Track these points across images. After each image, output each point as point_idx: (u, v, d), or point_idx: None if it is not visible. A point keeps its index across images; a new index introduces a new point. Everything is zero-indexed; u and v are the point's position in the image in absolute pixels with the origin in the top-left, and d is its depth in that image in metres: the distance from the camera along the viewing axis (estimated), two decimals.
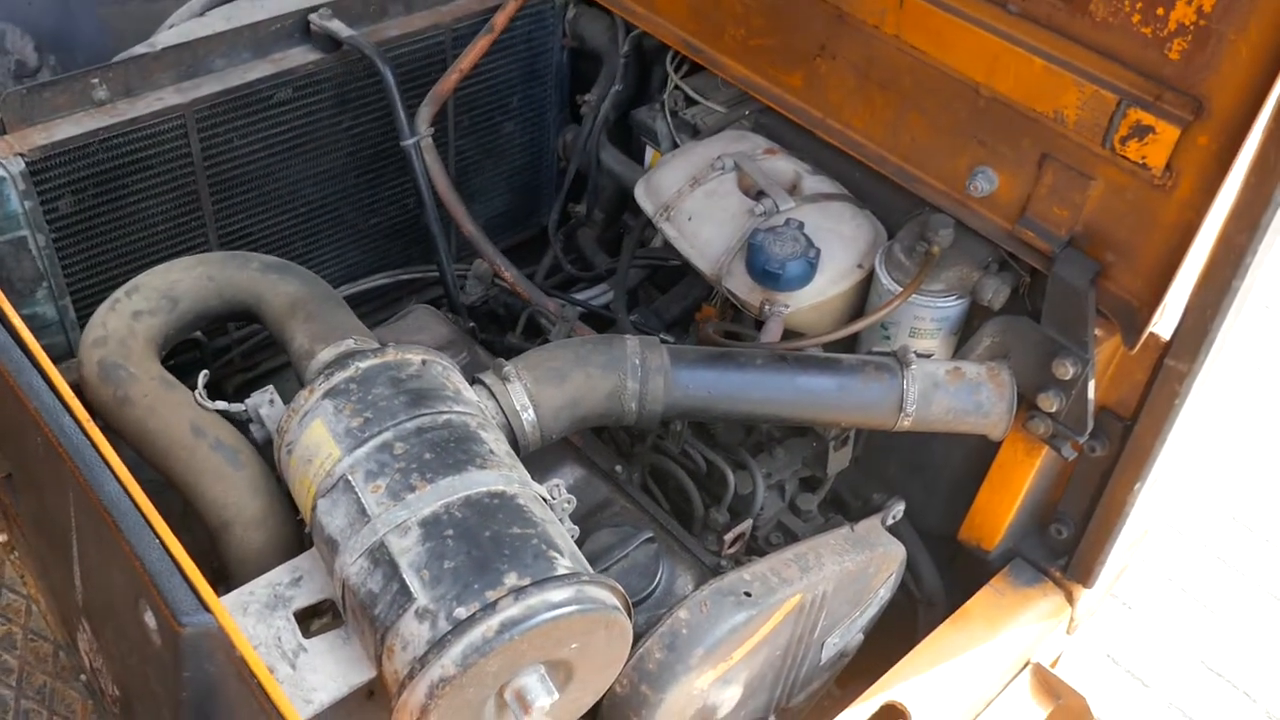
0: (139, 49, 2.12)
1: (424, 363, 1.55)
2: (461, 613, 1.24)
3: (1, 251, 1.94)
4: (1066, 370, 1.68)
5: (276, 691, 1.00)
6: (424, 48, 2.36)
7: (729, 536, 1.77)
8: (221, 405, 1.59)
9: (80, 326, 2.12)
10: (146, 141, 2.02)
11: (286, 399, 1.57)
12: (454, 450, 1.41)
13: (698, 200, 2.00)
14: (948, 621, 2.00)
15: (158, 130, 2.02)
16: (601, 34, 2.53)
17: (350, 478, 1.39)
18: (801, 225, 1.87)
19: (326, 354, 1.63)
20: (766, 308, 1.86)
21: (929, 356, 1.85)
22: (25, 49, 2.18)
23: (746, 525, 1.81)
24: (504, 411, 1.58)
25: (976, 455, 2.03)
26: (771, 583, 1.63)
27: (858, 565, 1.78)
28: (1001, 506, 2.03)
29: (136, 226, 2.09)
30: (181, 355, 2.08)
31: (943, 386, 1.73)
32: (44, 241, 1.97)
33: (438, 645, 1.23)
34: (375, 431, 1.43)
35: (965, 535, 2.13)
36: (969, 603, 2.04)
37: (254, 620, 1.36)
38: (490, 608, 1.24)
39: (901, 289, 1.80)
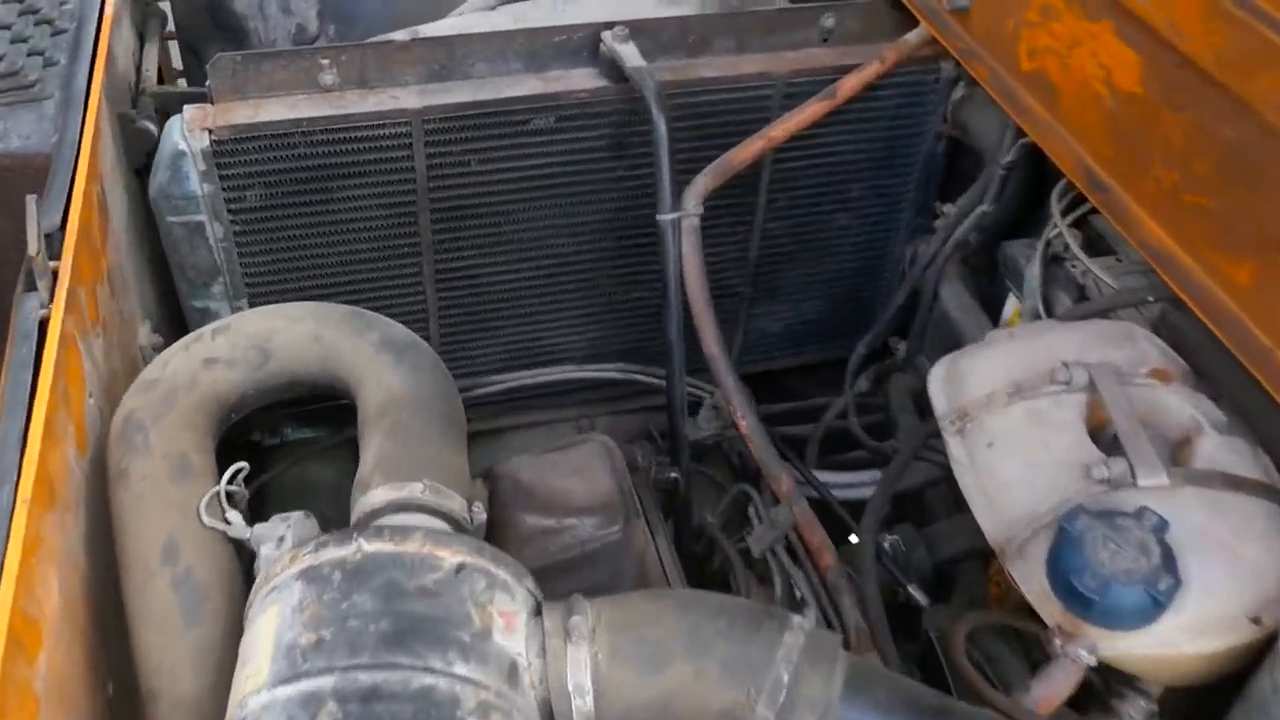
0: (398, 35, 1.78)
1: (460, 569, 1.02)
2: None
3: (177, 234, 1.68)
4: None
5: None
6: (742, 100, 1.82)
7: None
8: (222, 525, 1.17)
9: None
10: (365, 144, 1.66)
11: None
12: None
13: (1013, 420, 1.29)
14: None
15: (380, 134, 1.66)
16: (992, 130, 1.84)
17: None
18: (1164, 526, 1.11)
19: (376, 496, 1.17)
20: (1059, 640, 1.13)
21: None
22: (308, 13, 1.93)
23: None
24: (548, 686, 1.01)
25: None
26: None
27: None
28: None
29: (334, 239, 1.75)
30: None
31: None
32: (222, 233, 1.68)
33: None
34: (317, 669, 0.93)
35: None
36: None
37: None
38: None
39: None
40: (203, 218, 1.66)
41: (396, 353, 1.32)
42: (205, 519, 1.16)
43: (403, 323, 1.86)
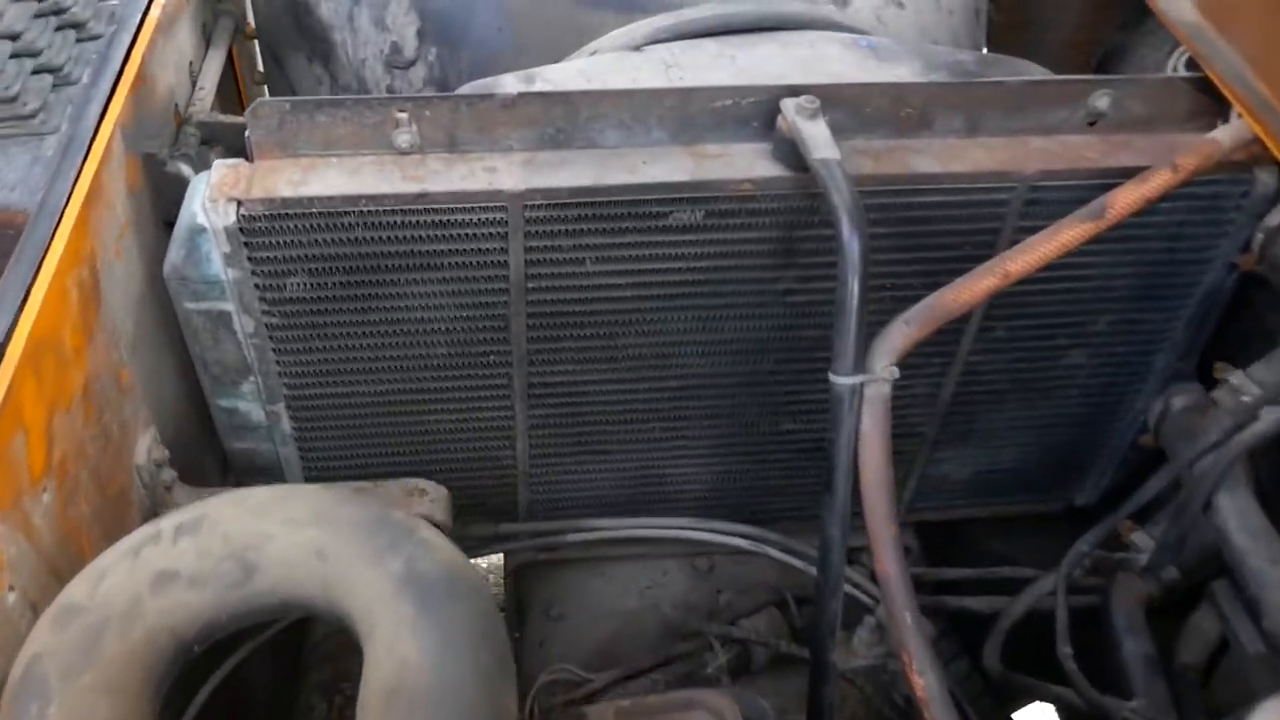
0: (508, 78, 1.33)
1: None
2: None
3: (196, 323, 1.28)
4: None
5: None
6: (967, 205, 1.31)
7: None
8: None
9: (301, 443, 1.43)
10: (445, 231, 1.23)
11: None
12: None
13: None
14: None
15: (466, 219, 1.23)
16: None
17: None
18: None
19: None
20: None
21: None
22: (407, 30, 1.49)
23: None
24: None
25: None
26: None
27: None
28: None
29: (398, 342, 1.33)
30: None
31: None
32: (253, 326, 1.28)
33: None
34: None
35: None
36: None
37: None
38: None
39: None
40: (229, 307, 1.26)
41: (424, 598, 0.89)
42: None
43: (484, 440, 1.48)
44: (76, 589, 0.91)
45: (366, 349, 1.34)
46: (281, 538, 0.93)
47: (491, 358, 1.38)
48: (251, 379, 1.35)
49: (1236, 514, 1.29)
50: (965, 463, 1.67)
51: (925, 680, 1.14)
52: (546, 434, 1.49)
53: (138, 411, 1.28)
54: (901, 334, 1.18)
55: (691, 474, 1.58)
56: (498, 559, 1.81)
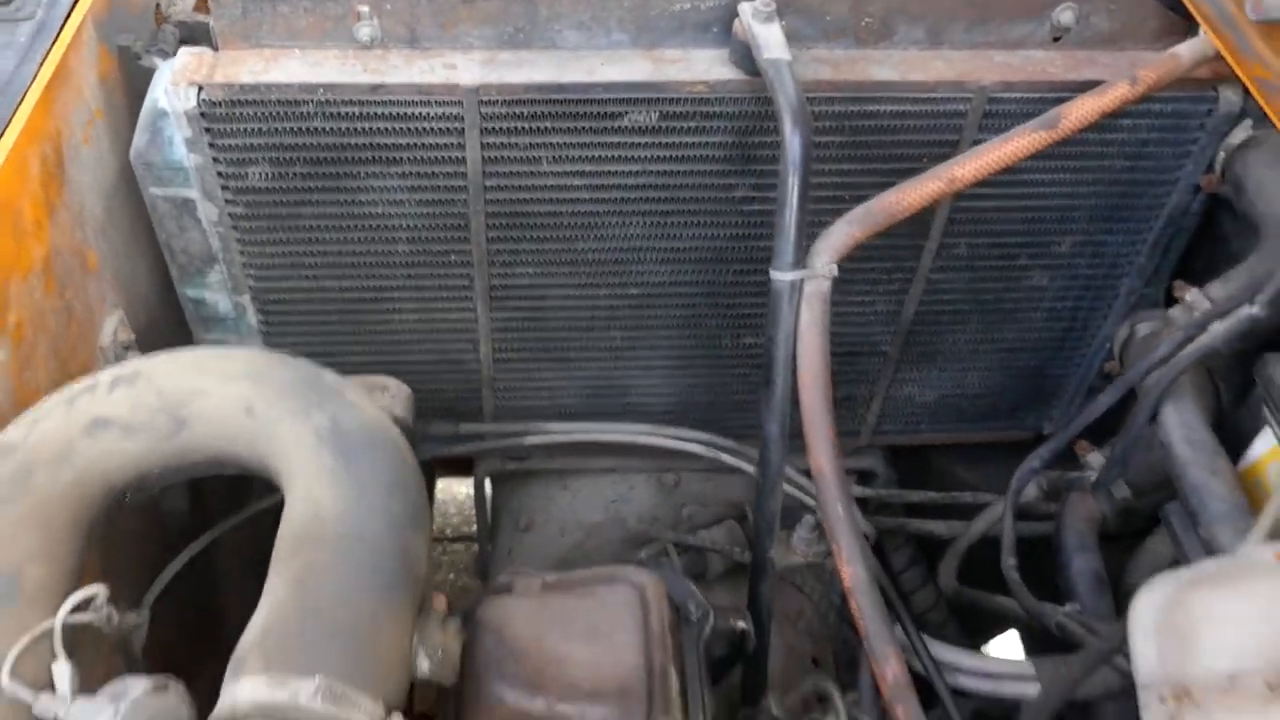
0: None
1: None
2: None
3: (162, 209, 1.32)
4: None
5: None
6: (925, 116, 1.32)
7: None
8: (25, 694, 0.81)
9: (267, 338, 1.47)
10: (402, 124, 1.26)
11: None
12: None
13: None
14: None
15: (422, 113, 1.25)
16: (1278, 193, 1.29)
17: None
18: None
19: (244, 690, 0.79)
20: None
21: None
22: None
23: None
24: None
25: None
26: None
27: None
28: None
29: (361, 236, 1.36)
30: None
31: None
32: (217, 214, 1.31)
33: None
34: None
35: None
36: None
37: None
38: None
39: None
40: (193, 194, 1.29)
41: (342, 451, 0.93)
42: (6, 680, 0.81)
43: (448, 342, 1.51)
44: (12, 431, 0.95)
45: (330, 243, 1.37)
46: (213, 393, 0.96)
47: (453, 257, 1.40)
48: (218, 268, 1.38)
49: (1181, 426, 1.29)
50: (931, 385, 1.68)
51: (853, 570, 1.15)
52: (509, 338, 1.52)
53: (104, 294, 1.32)
54: (844, 234, 1.19)
55: (653, 386, 1.61)
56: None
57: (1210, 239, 1.50)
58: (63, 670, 0.82)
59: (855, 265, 1.46)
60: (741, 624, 1.20)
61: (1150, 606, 0.89)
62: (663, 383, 1.60)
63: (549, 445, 1.62)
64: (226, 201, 1.30)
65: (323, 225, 1.35)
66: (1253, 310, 1.24)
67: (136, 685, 0.81)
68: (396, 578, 0.89)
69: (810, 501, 1.44)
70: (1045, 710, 1.07)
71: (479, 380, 1.57)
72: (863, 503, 1.74)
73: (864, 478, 1.80)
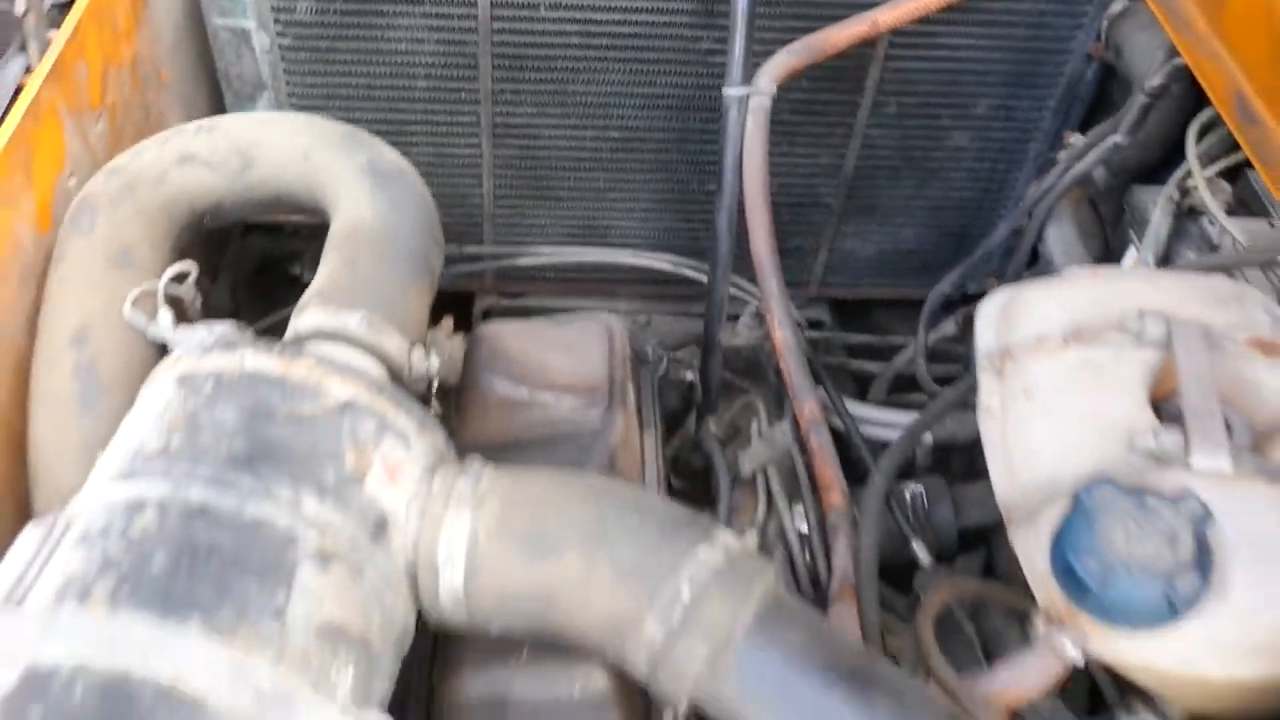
0: None
1: (346, 406, 0.90)
2: None
3: (223, 38, 1.59)
4: None
5: None
6: None
7: None
8: (142, 323, 1.08)
9: None
10: None
11: None
12: (207, 578, 0.77)
13: (1061, 368, 1.06)
14: None
15: None
16: (1147, 53, 1.56)
17: (65, 533, 0.81)
18: (1207, 520, 0.88)
19: (307, 319, 1.05)
20: (1041, 624, 0.92)
21: None
22: None
23: None
24: (419, 551, 0.88)
25: None
26: None
27: None
28: None
29: (388, 70, 1.63)
30: None
31: None
32: (269, 43, 1.59)
33: None
34: (152, 473, 0.83)
35: None
36: None
37: None
38: None
39: None
40: (249, 24, 1.56)
41: (378, 179, 1.20)
42: (128, 312, 1.08)
43: (457, 176, 1.78)
44: (119, 159, 1.22)
45: (361, 75, 1.64)
46: (277, 142, 1.23)
47: (463, 94, 1.67)
48: (266, 95, 1.65)
49: (1060, 240, 1.56)
50: (870, 239, 1.95)
51: (783, 333, 1.43)
52: (508, 174, 1.79)
53: (172, 107, 1.58)
54: (783, 61, 1.47)
55: (632, 229, 1.88)
56: None
57: (1105, 107, 1.77)
58: (165, 313, 1.09)
59: (800, 119, 1.73)
60: (690, 375, 1.47)
61: (993, 304, 1.17)
62: (640, 226, 1.87)
63: (537, 276, 1.89)
64: (277, 33, 1.57)
65: (356, 59, 1.62)
66: (1116, 138, 1.52)
67: (224, 323, 1.07)
68: (419, 268, 1.16)
69: (750, 298, 1.71)
70: (909, 438, 1.33)
71: (481, 215, 1.84)
72: (810, 345, 2.00)
73: (812, 326, 2.07)
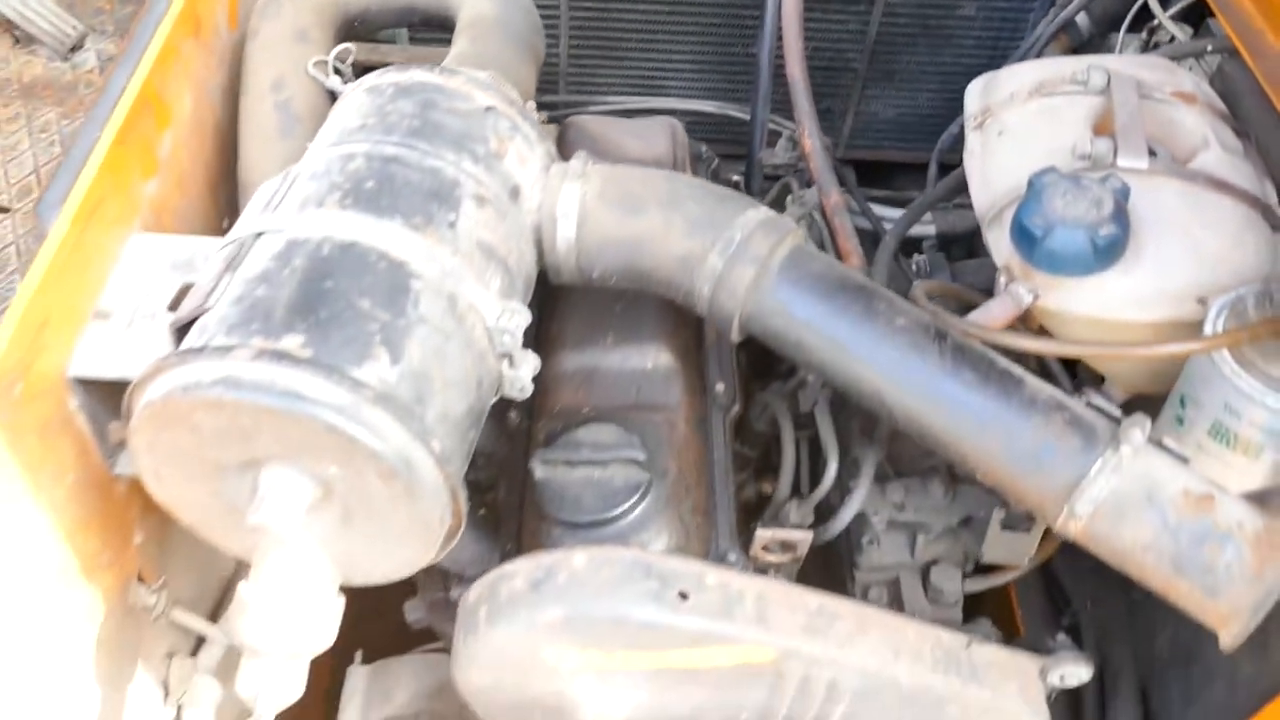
0: None
1: (489, 109, 1.22)
2: (209, 342, 0.96)
3: None
4: None
5: None
6: None
7: (765, 534, 1.25)
8: (322, 77, 1.41)
9: None
10: None
11: None
12: (403, 196, 1.09)
13: (1027, 115, 1.37)
14: None
15: None
16: None
17: (298, 169, 1.15)
18: (1126, 192, 1.19)
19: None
20: (1004, 278, 1.23)
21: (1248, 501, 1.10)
22: None
23: (802, 536, 1.26)
24: (542, 212, 1.21)
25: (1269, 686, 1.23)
26: (737, 610, 1.10)
27: (925, 689, 1.16)
28: None
29: None
30: None
31: (1160, 507, 1.00)
32: None
33: (167, 362, 0.96)
34: (355, 139, 1.16)
35: None
36: None
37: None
38: (225, 352, 0.94)
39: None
40: None
41: None
42: (311, 70, 1.41)
43: None
44: None
45: None
46: None
47: None
48: None
49: None
50: (890, 103, 2.26)
51: (812, 142, 1.74)
52: (583, 33, 2.11)
53: None
54: None
55: (686, 86, 2.20)
56: None
57: None
58: (336, 79, 1.42)
59: None
60: (736, 177, 1.78)
61: (978, 82, 1.48)
62: (691, 83, 2.19)
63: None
64: None
65: None
66: None
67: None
68: (527, 51, 1.48)
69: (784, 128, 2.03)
70: (917, 209, 1.64)
71: (557, 73, 2.17)
72: None
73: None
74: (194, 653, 1.43)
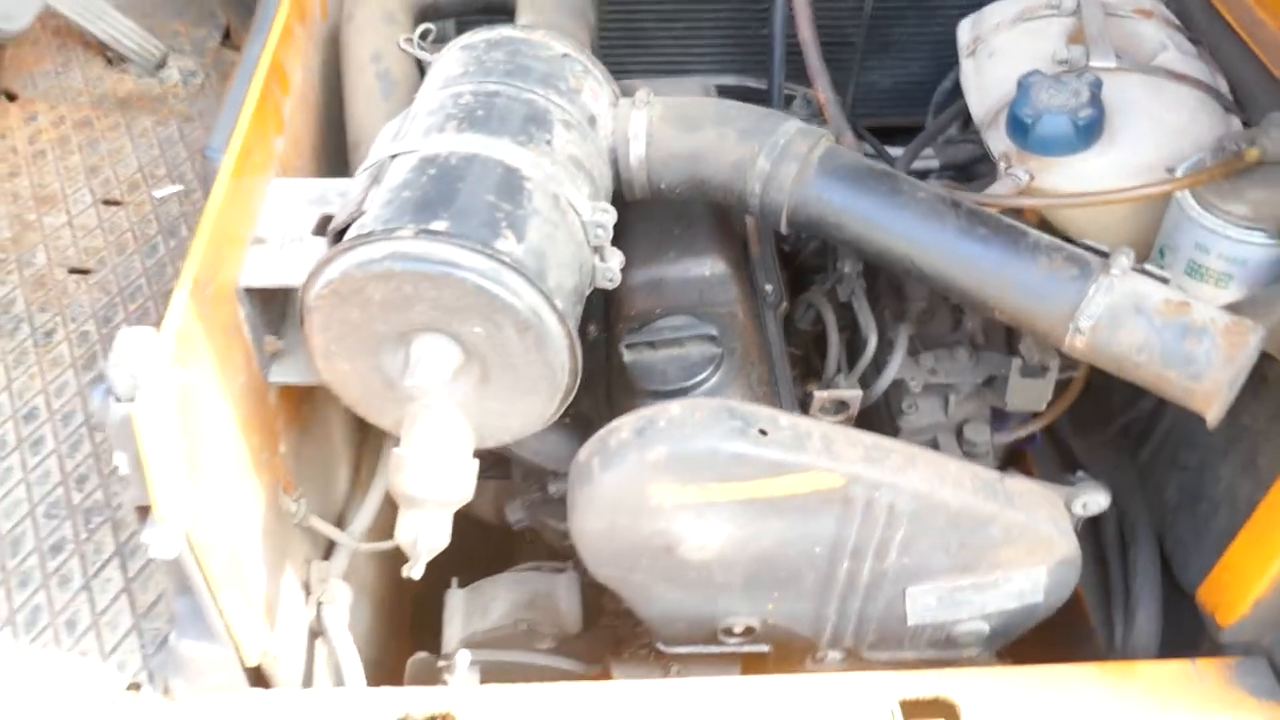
0: None
1: (565, 56, 1.47)
2: (370, 231, 1.19)
3: None
4: None
5: None
6: None
7: (823, 394, 1.47)
8: (414, 50, 1.67)
9: None
10: None
11: None
12: (508, 120, 1.33)
13: (1011, 37, 1.62)
14: (1098, 664, 1.47)
15: None
16: None
17: (414, 109, 1.39)
18: (1099, 84, 1.43)
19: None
20: (1003, 164, 1.47)
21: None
22: None
23: (853, 395, 1.48)
24: (616, 136, 1.44)
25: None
26: (807, 444, 1.32)
27: (969, 512, 1.38)
28: (1254, 567, 1.43)
29: None
30: None
31: (1146, 315, 1.23)
32: None
33: (342, 247, 1.20)
34: (461, 83, 1.40)
35: (1204, 597, 1.54)
36: (1144, 663, 1.49)
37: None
38: (389, 234, 1.17)
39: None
40: None
41: None
42: (402, 44, 1.66)
43: None
44: None
45: None
46: None
47: None
48: None
49: None
50: (887, 73, 2.51)
51: (826, 94, 1.99)
52: (611, 24, 2.37)
53: None
54: None
55: (705, 69, 2.45)
56: None
57: None
58: (424, 52, 1.67)
59: None
60: None
61: (968, 19, 1.73)
62: (710, 66, 2.45)
63: None
64: None
65: None
66: None
67: None
68: (581, 18, 1.74)
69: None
70: (922, 140, 1.89)
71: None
72: None
73: None
74: (325, 558, 1.65)
